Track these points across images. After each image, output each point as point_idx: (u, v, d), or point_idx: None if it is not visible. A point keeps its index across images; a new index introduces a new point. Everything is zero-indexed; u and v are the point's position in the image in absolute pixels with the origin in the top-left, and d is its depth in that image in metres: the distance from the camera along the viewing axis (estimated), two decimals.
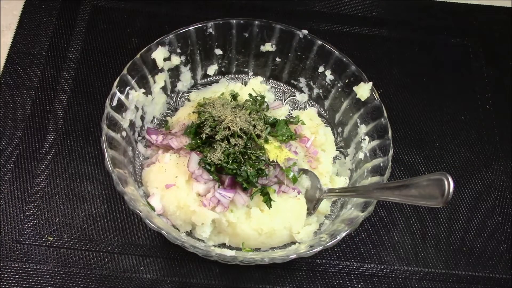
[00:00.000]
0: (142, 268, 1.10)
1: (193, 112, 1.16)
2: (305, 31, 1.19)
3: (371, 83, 1.14)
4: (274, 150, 1.09)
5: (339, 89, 1.21)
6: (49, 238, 1.10)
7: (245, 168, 1.04)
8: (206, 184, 1.06)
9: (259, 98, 1.19)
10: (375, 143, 1.12)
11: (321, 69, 1.22)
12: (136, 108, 1.14)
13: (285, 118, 1.20)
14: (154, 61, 1.15)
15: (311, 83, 1.27)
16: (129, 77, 1.10)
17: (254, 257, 0.97)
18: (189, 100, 1.27)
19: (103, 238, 1.11)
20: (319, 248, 0.95)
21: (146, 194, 1.10)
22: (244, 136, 1.08)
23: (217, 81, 1.30)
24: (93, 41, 1.36)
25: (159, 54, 1.14)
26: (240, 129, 1.08)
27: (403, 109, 1.36)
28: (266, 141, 1.10)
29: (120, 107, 1.08)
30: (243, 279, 1.11)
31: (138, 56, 1.11)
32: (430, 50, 1.46)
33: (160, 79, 1.18)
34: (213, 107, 1.13)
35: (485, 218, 1.22)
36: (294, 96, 1.30)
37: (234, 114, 1.11)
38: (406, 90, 1.39)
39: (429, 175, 0.85)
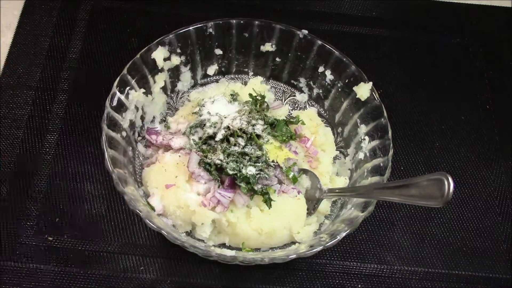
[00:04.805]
0: (142, 268, 1.10)
1: (193, 112, 1.16)
2: (305, 31, 1.19)
3: (371, 83, 1.14)
4: (274, 150, 1.09)
5: (339, 89, 1.21)
6: (49, 238, 1.10)
7: (245, 170, 1.03)
8: (206, 184, 1.06)
9: (259, 98, 1.19)
10: (375, 143, 1.12)
11: (321, 69, 1.22)
12: (136, 108, 1.14)
13: (285, 118, 1.20)
14: (154, 61, 1.15)
15: (311, 83, 1.27)
16: (129, 77, 1.10)
17: (254, 257, 0.97)
18: (189, 100, 1.27)
19: (103, 238, 1.11)
20: (319, 248, 0.95)
21: (146, 194, 1.10)
22: (244, 136, 1.08)
23: (217, 81, 1.30)
24: (93, 41, 1.36)
25: (159, 54, 1.14)
26: (240, 129, 1.08)
27: (403, 109, 1.36)
28: (266, 141, 1.10)
29: (120, 107, 1.08)
30: (243, 279, 1.11)
31: (138, 56, 1.11)
32: (430, 50, 1.47)
33: (160, 79, 1.18)
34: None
35: (485, 218, 1.22)
36: (294, 96, 1.30)
37: (234, 114, 1.11)
38: (406, 90, 1.39)
39: (429, 175, 0.85)
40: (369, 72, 1.17)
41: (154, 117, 1.22)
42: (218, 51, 1.24)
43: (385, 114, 1.11)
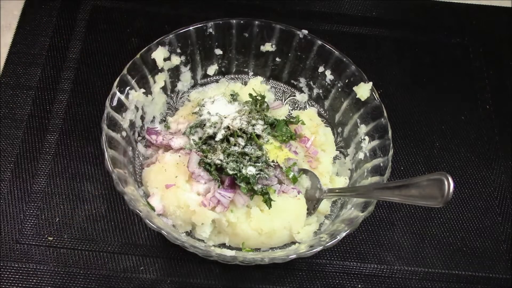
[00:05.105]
0: (142, 268, 1.10)
1: (193, 112, 1.16)
2: (305, 31, 1.19)
3: (371, 83, 1.14)
4: (274, 150, 1.09)
5: (339, 89, 1.21)
6: (49, 238, 1.10)
7: (245, 170, 1.03)
8: (206, 184, 1.06)
9: (259, 98, 1.19)
10: (375, 143, 1.12)
11: (321, 69, 1.22)
12: (136, 108, 1.14)
13: (285, 118, 1.20)
14: (154, 61, 1.15)
15: (311, 83, 1.27)
16: (129, 77, 1.10)
17: (254, 257, 0.97)
18: (189, 100, 1.27)
19: (103, 238, 1.12)
20: (319, 248, 0.95)
21: (146, 194, 1.10)
22: (244, 136, 1.08)
23: (217, 81, 1.30)
24: (93, 41, 1.36)
25: (159, 54, 1.14)
26: (240, 129, 1.08)
27: (403, 109, 1.36)
28: (266, 141, 1.10)
29: (120, 107, 1.08)
30: (243, 279, 1.11)
31: (138, 56, 1.11)
32: (430, 50, 1.47)
33: (160, 79, 1.18)
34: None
35: (485, 218, 1.22)
36: (294, 96, 1.30)
37: (234, 114, 1.11)
38: (406, 90, 1.39)
39: (429, 175, 0.85)
40: (369, 72, 1.17)
41: (154, 117, 1.22)
42: (218, 51, 1.24)
43: (385, 114, 1.11)
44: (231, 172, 1.03)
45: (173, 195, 1.05)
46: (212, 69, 1.27)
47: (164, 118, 1.24)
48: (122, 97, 1.08)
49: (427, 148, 1.31)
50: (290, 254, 0.96)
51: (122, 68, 1.09)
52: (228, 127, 1.09)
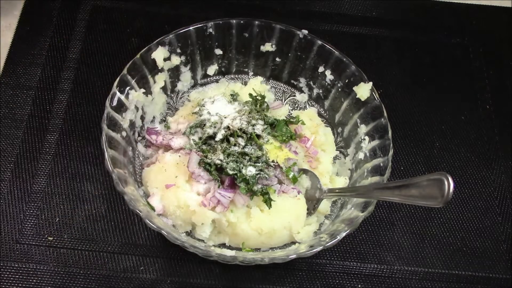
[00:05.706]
0: (142, 268, 1.10)
1: (193, 112, 1.16)
2: (305, 31, 1.19)
3: (371, 83, 1.14)
4: (274, 150, 1.09)
5: (339, 89, 1.21)
6: (49, 238, 1.10)
7: (245, 170, 1.03)
8: (206, 184, 1.06)
9: (259, 98, 1.19)
10: (375, 143, 1.12)
11: (321, 69, 1.22)
12: (136, 108, 1.14)
13: (285, 118, 1.20)
14: (154, 61, 1.15)
15: (311, 83, 1.27)
16: (129, 77, 1.10)
17: (254, 257, 0.97)
18: (189, 100, 1.27)
19: (103, 238, 1.12)
20: (319, 248, 0.95)
21: (146, 194, 1.10)
22: (244, 136, 1.08)
23: (217, 81, 1.30)
24: (93, 41, 1.36)
25: (159, 54, 1.14)
26: (240, 129, 1.08)
27: (403, 109, 1.36)
28: (266, 141, 1.10)
29: (120, 107, 1.08)
30: (243, 279, 1.11)
31: (138, 56, 1.11)
32: (430, 50, 1.46)
33: (160, 79, 1.18)
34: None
35: (485, 218, 1.22)
36: (294, 96, 1.30)
37: (234, 114, 1.11)
38: (406, 90, 1.39)
39: (429, 175, 0.85)
40: (369, 72, 1.17)
41: (154, 117, 1.22)
42: (218, 51, 1.24)
43: (385, 114, 1.11)
44: (231, 172, 1.03)
45: (173, 195, 1.05)
46: (212, 69, 1.27)
47: (164, 118, 1.24)
48: (122, 97, 1.08)
49: (427, 148, 1.31)
50: (290, 254, 0.96)
51: (122, 68, 1.09)
52: (228, 127, 1.09)
